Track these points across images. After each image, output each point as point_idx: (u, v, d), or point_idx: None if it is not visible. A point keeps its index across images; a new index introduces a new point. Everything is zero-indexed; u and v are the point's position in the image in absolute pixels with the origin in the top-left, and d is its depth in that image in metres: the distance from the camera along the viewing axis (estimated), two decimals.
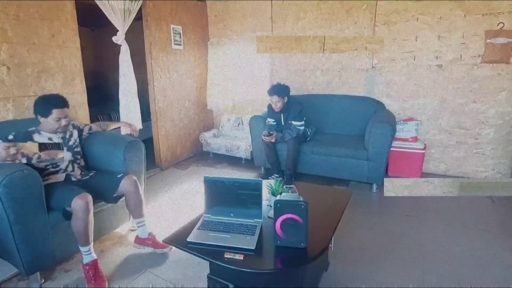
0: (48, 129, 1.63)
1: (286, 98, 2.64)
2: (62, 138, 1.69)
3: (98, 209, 1.72)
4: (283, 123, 2.75)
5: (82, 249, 1.48)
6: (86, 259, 1.48)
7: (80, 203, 1.42)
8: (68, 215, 1.46)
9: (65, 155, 1.68)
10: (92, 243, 1.50)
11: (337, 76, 3.15)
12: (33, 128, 1.64)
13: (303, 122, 2.65)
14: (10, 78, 1.95)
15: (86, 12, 2.74)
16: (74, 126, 1.82)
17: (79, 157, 1.78)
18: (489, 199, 2.35)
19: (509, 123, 2.56)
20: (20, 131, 1.61)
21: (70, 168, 1.70)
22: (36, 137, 1.62)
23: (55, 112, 1.59)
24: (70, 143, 1.74)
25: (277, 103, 2.62)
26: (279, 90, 2.61)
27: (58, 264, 1.62)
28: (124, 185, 1.67)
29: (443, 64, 2.69)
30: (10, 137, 1.55)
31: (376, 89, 2.99)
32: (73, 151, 1.74)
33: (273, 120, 2.79)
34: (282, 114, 2.72)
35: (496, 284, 1.44)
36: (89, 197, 1.46)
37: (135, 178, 1.71)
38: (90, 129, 1.94)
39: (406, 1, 2.70)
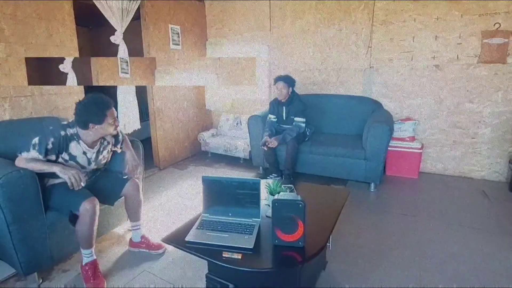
0: (90, 139, 1.47)
1: (291, 89, 2.69)
2: (97, 152, 1.56)
3: None
4: (284, 118, 2.77)
5: (84, 251, 1.47)
6: (86, 260, 1.48)
7: (88, 207, 1.40)
8: (73, 219, 1.43)
9: (88, 169, 1.57)
10: (94, 246, 1.50)
11: (335, 76, 3.16)
12: (74, 131, 1.45)
13: (304, 120, 2.68)
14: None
15: (83, 12, 2.73)
16: (116, 135, 1.63)
17: (99, 168, 1.66)
18: (486, 198, 2.36)
19: (505, 122, 2.58)
20: (58, 134, 1.41)
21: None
22: (73, 147, 1.46)
23: (110, 114, 1.43)
24: (100, 156, 1.60)
25: (283, 90, 2.66)
26: (286, 78, 2.68)
27: (56, 264, 1.61)
28: (128, 187, 1.66)
29: (440, 64, 2.70)
30: (49, 146, 1.39)
31: (374, 89, 3.01)
32: (99, 164, 1.62)
33: (274, 116, 2.81)
34: (284, 107, 2.74)
35: (493, 283, 1.45)
36: (96, 201, 1.45)
37: (137, 181, 1.71)
38: (118, 144, 1.70)
39: (404, 2, 2.72)
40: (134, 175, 1.70)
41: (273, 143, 2.57)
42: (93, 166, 1.60)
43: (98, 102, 1.43)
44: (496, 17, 2.43)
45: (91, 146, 1.53)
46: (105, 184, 1.65)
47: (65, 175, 1.37)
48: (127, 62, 2.85)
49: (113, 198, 1.65)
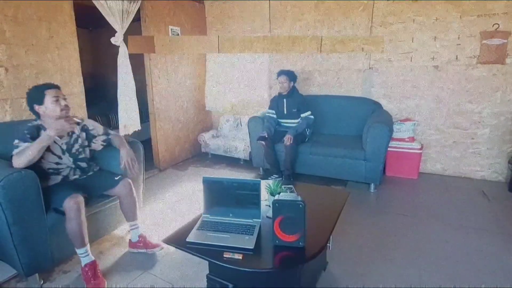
0: (51, 122, 1.48)
1: (292, 83, 2.82)
2: (67, 143, 1.60)
3: (97, 210, 1.72)
4: (285, 112, 2.82)
5: (78, 251, 1.48)
6: (84, 261, 1.48)
7: (71, 203, 1.42)
8: (62, 213, 1.47)
9: (66, 161, 1.61)
10: (88, 245, 1.50)
11: (335, 77, 3.17)
12: (39, 123, 1.52)
13: (310, 112, 2.78)
14: (8, 80, 1.95)
15: (84, 13, 2.74)
16: (83, 129, 1.68)
17: (81, 163, 1.68)
18: (485, 198, 2.37)
19: (504, 123, 2.59)
20: (27, 125, 1.50)
21: (71, 175, 1.65)
22: (43, 134, 1.48)
23: (49, 92, 1.48)
24: (74, 149, 1.64)
25: (284, 83, 2.77)
26: (288, 72, 2.82)
27: (57, 265, 1.62)
28: (119, 188, 1.67)
29: (439, 65, 2.71)
30: (28, 135, 1.46)
31: (373, 90, 3.02)
32: (76, 157, 1.64)
33: (273, 111, 2.88)
34: (285, 100, 2.82)
35: (492, 283, 1.45)
36: (80, 198, 1.46)
37: (130, 181, 1.71)
38: (106, 141, 1.76)
39: (402, 3, 2.73)
40: (134, 172, 1.69)
41: (289, 138, 2.57)
42: (68, 157, 1.61)
43: (38, 85, 1.53)
44: (495, 18, 2.45)
45: (59, 136, 1.56)
46: (96, 181, 1.68)
47: (56, 128, 1.41)
48: (178, 34, 3.19)
49: (98, 192, 1.66)
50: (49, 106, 1.49)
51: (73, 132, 1.64)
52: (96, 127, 1.75)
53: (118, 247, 1.82)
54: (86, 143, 1.71)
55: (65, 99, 1.55)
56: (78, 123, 1.65)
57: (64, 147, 1.60)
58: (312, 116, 2.77)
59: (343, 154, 2.54)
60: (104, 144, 1.77)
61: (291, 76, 2.79)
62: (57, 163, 1.58)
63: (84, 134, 1.70)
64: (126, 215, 1.74)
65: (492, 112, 2.61)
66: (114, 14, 2.47)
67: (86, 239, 1.48)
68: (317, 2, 3.07)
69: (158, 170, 3.22)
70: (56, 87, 1.55)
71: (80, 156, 1.67)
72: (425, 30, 2.70)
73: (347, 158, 2.53)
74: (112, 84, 3.48)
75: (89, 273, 1.46)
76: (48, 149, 1.51)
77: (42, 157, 1.49)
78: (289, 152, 2.60)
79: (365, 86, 3.05)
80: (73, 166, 1.64)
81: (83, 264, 1.48)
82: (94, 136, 1.73)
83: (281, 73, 2.80)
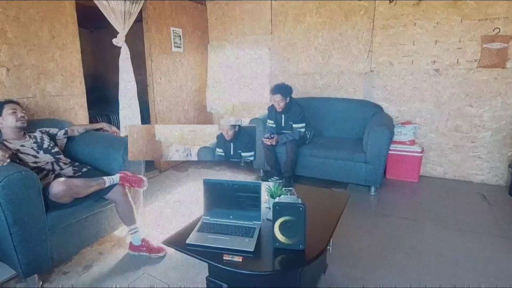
0: (11, 133, 1.65)
1: (288, 98, 2.65)
2: (35, 143, 1.72)
3: (97, 211, 1.72)
4: (283, 124, 2.77)
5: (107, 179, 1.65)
6: (117, 177, 1.66)
7: (55, 184, 1.46)
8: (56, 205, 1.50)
9: (44, 157, 1.70)
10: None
11: (336, 80, 3.18)
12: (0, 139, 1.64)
13: (304, 125, 2.69)
14: (9, 80, 1.95)
15: (85, 13, 2.74)
16: (42, 132, 1.83)
17: (60, 156, 1.79)
18: (485, 202, 2.37)
19: (504, 126, 2.59)
20: None
21: (57, 168, 1.71)
22: (8, 145, 1.61)
23: (7, 106, 1.64)
24: (45, 146, 1.76)
25: (280, 103, 2.61)
26: (282, 89, 2.61)
27: (56, 266, 1.61)
28: (113, 193, 1.66)
29: (440, 68, 2.72)
30: None
31: (374, 93, 3.02)
32: (51, 152, 1.76)
33: (272, 122, 2.81)
34: (283, 115, 2.73)
35: (492, 286, 1.45)
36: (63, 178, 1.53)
37: (124, 186, 1.70)
38: (66, 133, 1.94)
39: (404, 5, 2.74)
40: (116, 132, 2.03)
41: (273, 140, 2.60)
42: (43, 154, 1.72)
43: None
44: (496, 22, 2.45)
45: (20, 139, 1.69)
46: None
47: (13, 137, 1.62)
48: (180, 36, 3.09)
49: (96, 197, 1.65)
50: (8, 119, 1.64)
51: (34, 136, 1.76)
52: (52, 127, 1.91)
53: (118, 248, 1.82)
54: (53, 143, 1.83)
55: (23, 112, 1.70)
56: (31, 133, 1.78)
57: (35, 146, 1.72)
58: (302, 129, 2.65)
59: (343, 157, 2.54)
60: (66, 136, 1.94)
61: (286, 92, 2.60)
62: (35, 162, 1.65)
63: (46, 136, 1.83)
64: (123, 219, 1.72)
65: (492, 116, 2.61)
66: (116, 15, 2.48)
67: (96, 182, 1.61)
68: (319, 4, 3.09)
69: (158, 171, 3.22)
70: (12, 101, 1.72)
71: (54, 150, 1.78)
72: (426, 33, 2.70)
73: (348, 160, 2.53)
74: (113, 84, 3.49)
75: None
76: (20, 154, 1.62)
77: (20, 160, 1.59)
78: (289, 154, 2.60)
79: (366, 89, 3.05)
80: (53, 160, 1.74)
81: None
82: (56, 134, 1.89)
83: (275, 91, 2.58)
